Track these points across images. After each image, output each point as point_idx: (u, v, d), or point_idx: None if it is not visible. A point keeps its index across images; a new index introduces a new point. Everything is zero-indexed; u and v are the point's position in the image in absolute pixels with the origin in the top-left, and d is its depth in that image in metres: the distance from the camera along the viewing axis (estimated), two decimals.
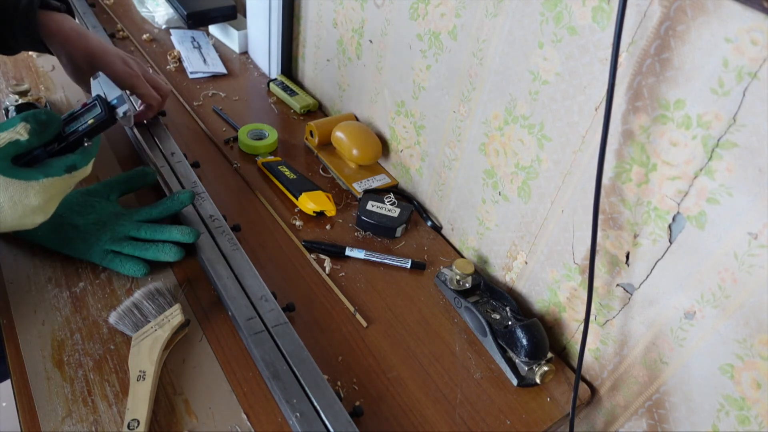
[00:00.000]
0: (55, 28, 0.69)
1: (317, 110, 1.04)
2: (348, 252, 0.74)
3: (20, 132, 0.49)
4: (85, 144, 0.55)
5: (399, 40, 0.79)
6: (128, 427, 0.50)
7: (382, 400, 0.59)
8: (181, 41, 1.13)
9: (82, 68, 0.71)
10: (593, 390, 0.66)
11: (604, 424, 0.66)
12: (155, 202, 0.70)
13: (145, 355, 0.55)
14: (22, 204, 0.49)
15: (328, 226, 0.79)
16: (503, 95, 0.65)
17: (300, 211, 0.81)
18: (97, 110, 0.56)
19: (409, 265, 0.74)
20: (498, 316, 0.67)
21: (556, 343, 0.69)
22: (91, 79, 0.63)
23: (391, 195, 0.83)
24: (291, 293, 0.69)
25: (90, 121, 0.55)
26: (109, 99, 0.58)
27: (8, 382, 0.57)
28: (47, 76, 0.97)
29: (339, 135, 0.87)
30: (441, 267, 0.74)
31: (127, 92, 0.60)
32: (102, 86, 0.61)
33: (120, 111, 0.58)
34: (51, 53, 0.73)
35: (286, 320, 0.61)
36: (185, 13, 1.07)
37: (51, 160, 0.52)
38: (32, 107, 0.80)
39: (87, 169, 0.54)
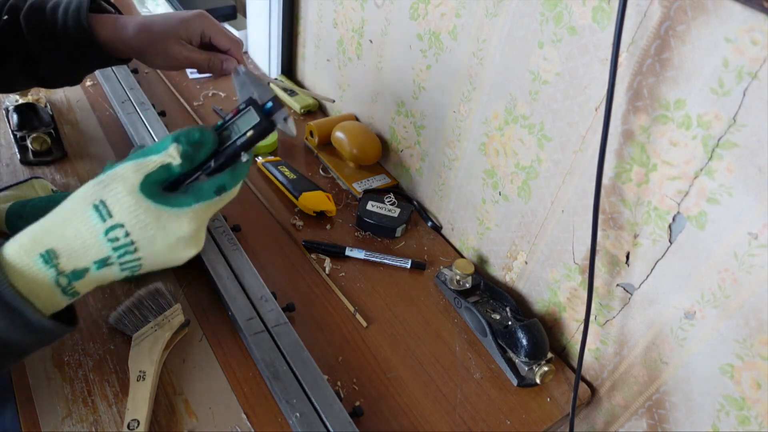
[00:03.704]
0: (111, 30, 0.61)
1: (317, 110, 1.04)
2: (348, 252, 0.74)
3: (172, 155, 0.43)
4: (243, 159, 0.46)
5: (399, 40, 0.79)
6: (128, 427, 0.50)
7: (382, 400, 0.59)
8: None
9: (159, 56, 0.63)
10: (593, 390, 0.66)
11: (604, 424, 0.66)
12: None
13: (145, 355, 0.55)
14: (174, 235, 0.43)
15: (328, 226, 0.79)
16: (503, 95, 0.65)
17: (300, 211, 0.81)
18: (254, 118, 0.46)
19: (409, 265, 0.74)
20: (498, 316, 0.67)
21: (556, 343, 0.69)
22: (233, 75, 0.55)
23: (391, 195, 0.83)
24: (291, 293, 0.69)
25: (249, 134, 0.46)
26: (260, 100, 0.48)
27: (8, 381, 0.57)
28: None
29: (339, 135, 0.87)
30: (441, 267, 0.74)
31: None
32: (248, 83, 0.51)
33: (279, 116, 0.47)
34: (121, 62, 0.68)
35: (286, 320, 0.61)
36: None
37: (200, 183, 0.45)
38: (32, 107, 0.80)
39: (235, 191, 0.47)
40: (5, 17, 0.60)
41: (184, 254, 0.45)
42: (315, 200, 0.79)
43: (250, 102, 0.47)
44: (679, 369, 0.56)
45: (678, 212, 0.51)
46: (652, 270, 0.55)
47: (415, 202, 0.86)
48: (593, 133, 0.56)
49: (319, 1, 0.94)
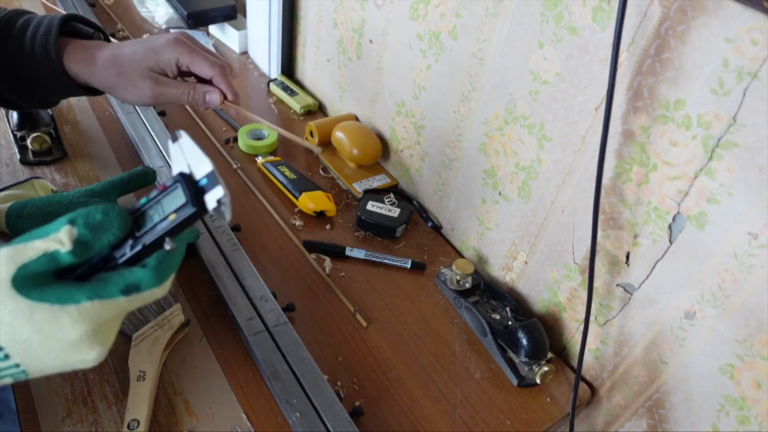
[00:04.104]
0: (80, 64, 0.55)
1: (317, 110, 1.04)
2: (348, 252, 0.74)
3: (61, 240, 0.34)
4: (167, 247, 0.37)
5: (399, 40, 0.79)
6: (128, 427, 0.50)
7: (382, 400, 0.59)
8: None
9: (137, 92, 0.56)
10: (593, 390, 0.66)
11: (604, 424, 0.66)
12: None
13: (145, 355, 0.55)
14: (55, 339, 0.34)
15: (328, 226, 0.79)
16: (503, 95, 0.65)
17: (300, 211, 0.81)
18: (181, 199, 0.38)
19: (409, 265, 0.74)
20: (498, 316, 0.67)
21: (556, 343, 0.69)
22: (169, 141, 0.41)
23: (391, 195, 0.83)
24: (291, 293, 0.68)
25: (171, 217, 0.37)
26: (195, 177, 0.38)
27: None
28: None
29: (339, 135, 0.87)
30: (441, 267, 0.74)
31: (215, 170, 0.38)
32: (184, 154, 0.40)
33: (210, 198, 0.37)
34: (96, 93, 0.61)
35: (286, 320, 0.61)
36: (185, 13, 1.07)
37: (108, 274, 0.37)
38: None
39: (157, 292, 0.37)
40: None
41: (80, 358, 0.36)
42: (315, 200, 0.79)
43: (181, 179, 0.38)
44: (679, 369, 0.56)
45: (678, 212, 0.51)
46: (652, 270, 0.55)
47: (415, 202, 0.86)
48: (593, 133, 0.56)
49: (319, 1, 0.94)
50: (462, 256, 0.80)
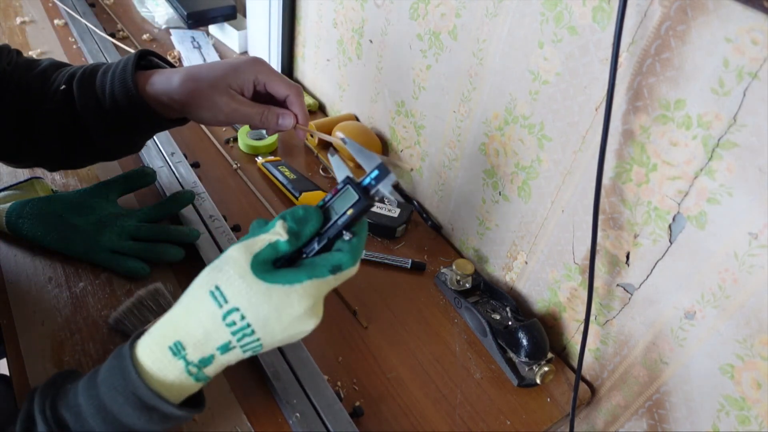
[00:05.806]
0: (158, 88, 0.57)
1: (317, 110, 1.04)
2: None
3: (279, 232, 0.43)
4: (345, 237, 0.46)
5: (399, 40, 0.79)
6: None
7: (382, 400, 0.59)
8: (181, 41, 1.13)
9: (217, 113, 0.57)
10: (593, 390, 0.66)
11: (604, 424, 0.66)
12: (155, 203, 0.70)
13: None
14: (287, 315, 0.43)
15: None
16: (503, 95, 0.65)
17: None
18: (353, 196, 0.46)
19: (409, 265, 0.74)
20: (498, 316, 0.67)
21: (556, 343, 0.69)
22: (329, 155, 0.51)
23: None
24: None
25: (349, 212, 0.46)
26: (367, 170, 0.47)
27: (8, 382, 0.57)
28: None
29: (339, 135, 0.87)
30: (441, 267, 0.74)
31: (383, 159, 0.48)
32: (355, 154, 0.49)
33: (382, 189, 0.46)
34: (175, 123, 0.63)
35: None
36: (185, 13, 1.07)
37: (314, 258, 0.45)
38: None
39: (353, 270, 0.46)
40: (63, 87, 0.58)
41: (302, 329, 0.44)
42: (315, 200, 0.79)
43: (348, 181, 0.47)
44: (679, 369, 0.56)
45: (678, 212, 0.51)
46: (652, 270, 0.55)
47: (415, 202, 0.86)
48: (593, 133, 0.56)
49: (319, 1, 0.94)
50: (462, 256, 0.80)
